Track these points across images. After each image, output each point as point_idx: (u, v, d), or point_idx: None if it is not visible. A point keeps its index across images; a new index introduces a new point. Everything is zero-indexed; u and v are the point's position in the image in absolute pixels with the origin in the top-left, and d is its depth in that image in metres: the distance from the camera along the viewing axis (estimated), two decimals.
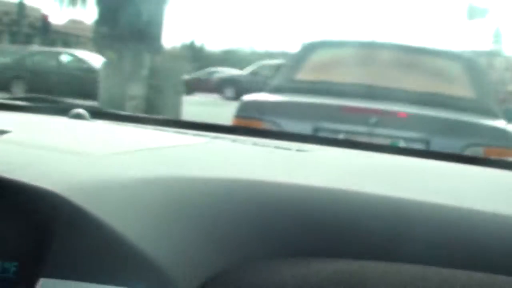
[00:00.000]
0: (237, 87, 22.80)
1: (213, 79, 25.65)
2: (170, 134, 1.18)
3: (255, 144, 1.17)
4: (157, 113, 6.34)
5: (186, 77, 10.55)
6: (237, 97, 25.21)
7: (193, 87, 21.51)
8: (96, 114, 1.29)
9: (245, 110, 4.07)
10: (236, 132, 1.31)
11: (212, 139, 1.16)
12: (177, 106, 6.55)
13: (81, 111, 1.23)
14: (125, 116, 1.39)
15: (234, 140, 1.19)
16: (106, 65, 7.19)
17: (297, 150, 1.12)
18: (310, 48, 4.69)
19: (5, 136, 0.91)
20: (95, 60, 16.79)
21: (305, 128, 3.72)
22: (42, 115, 1.29)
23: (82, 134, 1.07)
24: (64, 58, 18.66)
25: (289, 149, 1.13)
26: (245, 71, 25.00)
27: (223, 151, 1.06)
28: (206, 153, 1.01)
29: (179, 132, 1.21)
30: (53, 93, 15.57)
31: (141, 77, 6.43)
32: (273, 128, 3.77)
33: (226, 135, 1.26)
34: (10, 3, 34.80)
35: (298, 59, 4.61)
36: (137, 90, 6.32)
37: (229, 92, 23.45)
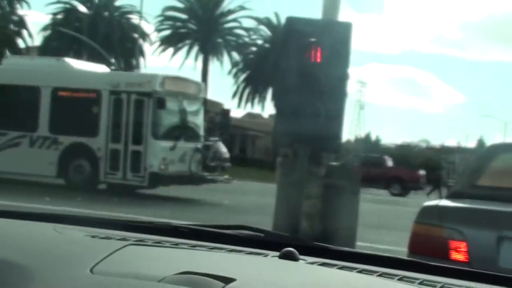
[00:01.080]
0: None
1: None
2: (377, 279, 1.21)
3: None
4: (333, 212, 6.36)
5: None
6: None
7: None
8: (305, 249, 1.36)
9: (426, 216, 4.03)
10: (446, 274, 1.27)
11: (420, 285, 1.16)
12: (354, 206, 6.53)
13: (291, 249, 1.30)
14: (333, 252, 1.41)
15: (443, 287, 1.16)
16: (282, 162, 7.40)
17: None
18: (491, 152, 4.57)
19: (231, 286, 1.01)
20: None
21: (488, 236, 3.62)
22: (252, 252, 1.36)
23: (296, 280, 1.14)
24: None
25: None
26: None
27: None
28: None
29: (386, 275, 1.22)
30: None
31: (317, 176, 6.51)
32: (455, 235, 3.71)
33: (435, 277, 1.23)
34: None
35: (479, 164, 4.52)
36: (313, 189, 6.39)
37: None
